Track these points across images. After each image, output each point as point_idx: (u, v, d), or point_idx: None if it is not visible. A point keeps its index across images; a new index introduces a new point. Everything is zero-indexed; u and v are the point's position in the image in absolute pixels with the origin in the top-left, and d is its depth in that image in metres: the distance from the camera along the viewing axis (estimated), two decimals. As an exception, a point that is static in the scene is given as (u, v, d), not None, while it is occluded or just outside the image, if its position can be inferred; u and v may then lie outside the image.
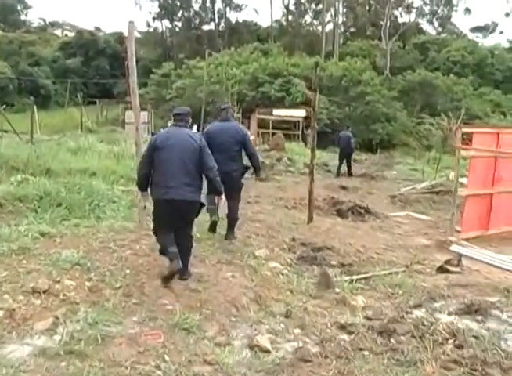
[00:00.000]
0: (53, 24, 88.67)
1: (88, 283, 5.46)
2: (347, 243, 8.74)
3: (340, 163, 20.51)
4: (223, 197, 6.97)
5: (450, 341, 4.99)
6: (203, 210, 7.08)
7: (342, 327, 5.27)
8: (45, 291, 5.11)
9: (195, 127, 33.58)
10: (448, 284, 6.82)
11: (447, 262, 7.89)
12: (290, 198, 12.92)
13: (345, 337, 5.08)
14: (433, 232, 10.83)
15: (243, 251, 7.46)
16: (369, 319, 5.54)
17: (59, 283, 5.33)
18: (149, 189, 6.34)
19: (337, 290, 6.41)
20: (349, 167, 20.63)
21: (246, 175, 16.62)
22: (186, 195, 5.99)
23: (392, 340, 5.01)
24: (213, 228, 8.18)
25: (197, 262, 6.61)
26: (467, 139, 10.88)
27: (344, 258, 7.79)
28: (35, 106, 30.76)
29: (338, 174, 20.29)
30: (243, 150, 8.11)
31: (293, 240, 8.49)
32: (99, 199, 8.75)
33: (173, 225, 6.14)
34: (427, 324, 5.29)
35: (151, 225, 6.76)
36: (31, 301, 4.96)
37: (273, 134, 33.00)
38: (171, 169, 5.99)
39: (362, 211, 11.78)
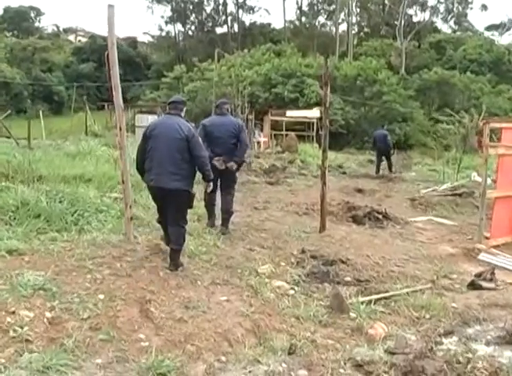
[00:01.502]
0: (67, 30, 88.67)
1: (48, 314, 4.47)
2: (364, 254, 7.71)
3: (379, 161, 20.59)
4: (211, 184, 6.79)
5: (493, 383, 4.00)
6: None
7: (358, 366, 4.24)
8: (-9, 326, 4.16)
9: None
10: (483, 304, 5.79)
11: (478, 275, 6.86)
12: (301, 203, 11.95)
13: (362, 379, 4.09)
14: (458, 238, 9.70)
15: (243, 267, 6.50)
16: (391, 353, 4.49)
17: (13, 314, 4.36)
18: None
19: (352, 314, 5.32)
20: (390, 165, 20.86)
21: (257, 179, 15.86)
22: (170, 183, 6.09)
23: (421, 383, 4.02)
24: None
25: (187, 284, 5.64)
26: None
27: (360, 273, 6.73)
28: (41, 112, 30.23)
29: (378, 171, 20.40)
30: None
31: (303, 252, 7.48)
32: (84, 208, 7.74)
33: (165, 210, 6.41)
34: (463, 361, 4.28)
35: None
36: (-29, 340, 3.99)
37: (287, 135, 31.98)
38: (157, 157, 6.18)
39: (380, 216, 10.68)
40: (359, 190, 15.01)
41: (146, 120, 27.32)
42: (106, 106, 47.14)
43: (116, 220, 7.78)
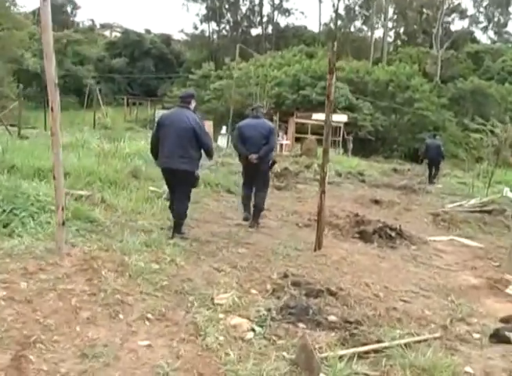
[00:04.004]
0: (104, 26, 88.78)
1: None
2: (363, 282, 6.13)
3: (431, 171, 20.84)
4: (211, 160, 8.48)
5: None
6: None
7: None
8: None
9: (224, 128, 31.51)
10: (510, 369, 4.14)
11: (505, 320, 5.30)
12: (305, 212, 10.51)
13: None
14: (483, 265, 8.07)
15: (198, 294, 4.97)
16: None
17: None
18: None
19: (324, 377, 3.72)
20: (435, 175, 20.92)
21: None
22: (179, 165, 7.19)
23: None
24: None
25: (104, 318, 4.12)
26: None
27: (350, 311, 5.07)
28: (59, 103, 29.16)
29: (431, 181, 20.56)
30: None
31: (285, 276, 5.93)
32: (23, 207, 6.33)
33: (174, 188, 7.56)
34: None
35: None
36: None
37: (309, 138, 30.54)
38: (168, 143, 7.25)
39: (393, 233, 9.12)
40: (376, 201, 13.44)
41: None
42: (125, 100, 46.23)
43: (62, 223, 6.38)
